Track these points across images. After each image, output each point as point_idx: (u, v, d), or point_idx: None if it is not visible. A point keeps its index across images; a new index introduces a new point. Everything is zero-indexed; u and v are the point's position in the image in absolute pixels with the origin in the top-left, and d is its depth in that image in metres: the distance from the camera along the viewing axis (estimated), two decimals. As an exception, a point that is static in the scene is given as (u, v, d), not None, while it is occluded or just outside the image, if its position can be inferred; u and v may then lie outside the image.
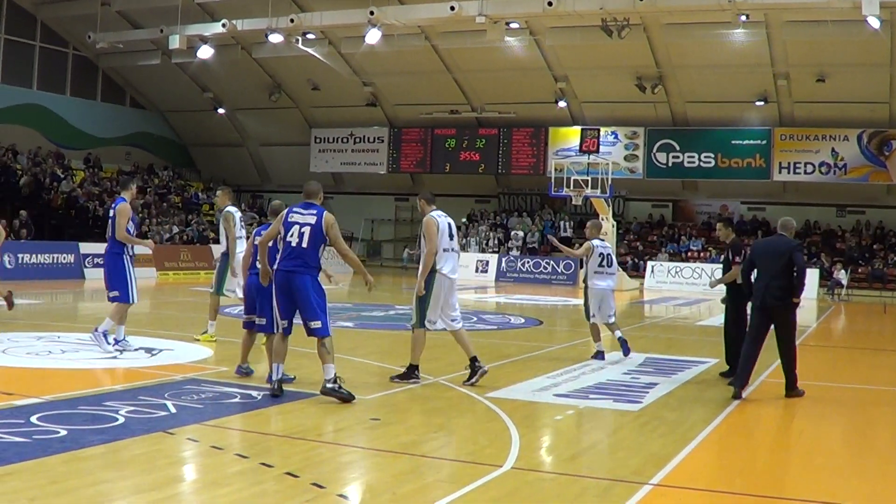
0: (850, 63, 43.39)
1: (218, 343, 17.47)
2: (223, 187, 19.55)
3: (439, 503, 8.01)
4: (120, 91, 58.79)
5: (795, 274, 14.10)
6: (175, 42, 45.37)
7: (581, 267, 18.97)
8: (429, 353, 17.88)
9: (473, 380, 14.11)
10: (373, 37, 41.74)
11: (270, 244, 13.12)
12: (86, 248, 38.62)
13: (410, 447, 10.02)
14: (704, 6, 37.57)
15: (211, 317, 18.08)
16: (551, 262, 48.02)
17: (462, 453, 9.89)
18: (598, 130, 49.93)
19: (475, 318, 25.95)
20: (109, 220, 16.26)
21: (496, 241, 52.20)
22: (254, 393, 12.57)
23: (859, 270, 45.91)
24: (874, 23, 34.77)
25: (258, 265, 13.41)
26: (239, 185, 61.79)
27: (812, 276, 43.81)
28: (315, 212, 12.68)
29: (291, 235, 12.58)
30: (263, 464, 9.04)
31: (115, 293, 16.11)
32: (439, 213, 14.57)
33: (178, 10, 45.19)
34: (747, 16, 38.31)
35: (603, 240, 18.82)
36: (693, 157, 51.25)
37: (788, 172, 49.53)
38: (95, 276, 37.22)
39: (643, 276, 47.29)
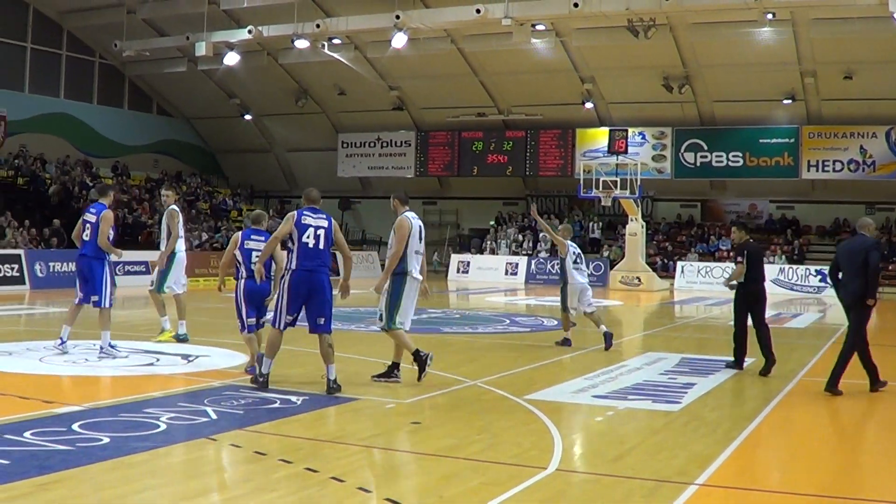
0: (877, 60, 43.18)
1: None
2: (170, 186, 19.93)
3: (487, 506, 8.02)
4: (147, 99, 58.94)
5: (868, 273, 14.09)
6: (201, 49, 45.45)
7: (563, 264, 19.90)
8: (465, 355, 17.96)
9: (384, 380, 14.34)
10: (399, 41, 41.73)
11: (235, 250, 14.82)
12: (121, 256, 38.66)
13: (453, 450, 9.99)
14: (730, 5, 37.45)
15: (161, 313, 18.53)
16: (581, 263, 47.91)
17: (506, 456, 9.85)
18: (627, 131, 49.76)
19: (508, 321, 25.96)
20: (89, 225, 16.45)
21: (530, 244, 52.06)
22: (293, 398, 12.57)
23: (890, 268, 45.64)
24: (902, 19, 34.64)
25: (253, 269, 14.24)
26: (267, 190, 61.98)
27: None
28: (324, 216, 13.55)
29: (308, 237, 13.25)
30: (308, 469, 9.03)
31: (96, 298, 16.40)
32: (412, 214, 14.67)
33: (203, 17, 45.25)
34: (774, 14, 38.17)
35: (573, 241, 20.53)
36: (721, 156, 51.06)
37: (817, 170, 49.28)
38: (126, 284, 37.33)
39: (673, 277, 47.15)
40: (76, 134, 53.36)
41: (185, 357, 15.96)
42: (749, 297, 16.84)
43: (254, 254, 14.61)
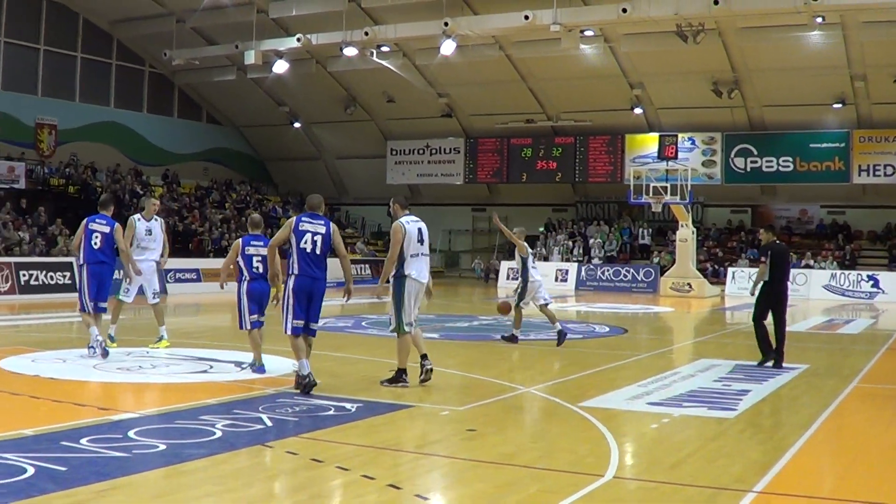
0: (929, 62, 42.99)
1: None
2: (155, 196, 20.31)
3: (546, 513, 7.99)
4: (196, 107, 59.27)
5: None
6: (250, 57, 45.73)
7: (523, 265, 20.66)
8: (520, 362, 17.95)
9: (392, 385, 14.38)
10: (447, 48, 41.80)
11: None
12: (167, 263, 38.89)
13: (510, 457, 9.97)
14: (779, 9, 37.28)
15: (113, 320, 18.78)
16: (631, 270, 47.80)
17: (562, 463, 9.80)
18: (676, 136, 49.53)
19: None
20: (100, 235, 17.03)
21: (580, 250, 51.89)
22: (348, 405, 12.57)
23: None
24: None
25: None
26: (316, 198, 62.02)
27: (893, 280, 43.46)
28: (323, 222, 14.02)
29: (305, 243, 13.81)
30: (365, 476, 9.01)
31: (104, 304, 17.20)
32: (410, 218, 14.79)
33: (252, 25, 45.52)
34: (823, 17, 37.98)
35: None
36: (771, 161, 50.80)
37: (868, 175, 48.95)
38: (177, 291, 37.62)
39: (724, 283, 46.87)
40: (126, 142, 53.75)
41: (239, 364, 15.99)
42: (772, 296, 17.63)
43: (254, 259, 15.53)
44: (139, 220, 18.71)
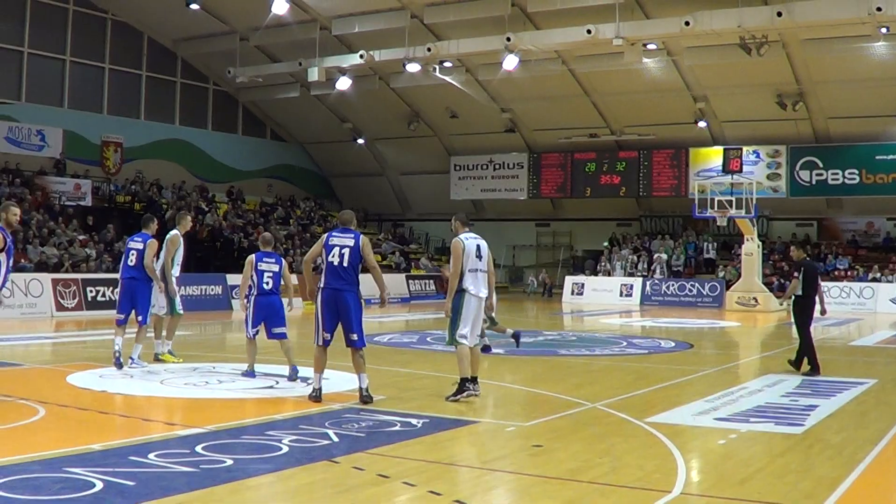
0: None
1: (372, 372, 17.52)
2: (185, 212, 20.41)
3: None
4: (260, 124, 59.62)
5: None
6: (314, 74, 45.99)
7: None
8: (584, 378, 17.88)
9: (457, 397, 14.41)
10: (510, 63, 41.84)
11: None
12: (233, 279, 39.15)
13: (577, 473, 9.91)
14: (844, 20, 36.93)
15: (168, 336, 18.90)
16: (696, 284, 47.51)
17: (629, 479, 9.75)
18: (741, 150, 49.20)
19: (625, 343, 25.76)
20: (136, 252, 17.58)
21: (644, 265, 51.63)
22: (413, 421, 12.55)
23: None
24: None
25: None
26: (380, 214, 62.32)
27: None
28: (352, 235, 14.29)
29: (333, 256, 14.11)
30: (431, 491, 9.00)
31: (140, 318, 17.52)
32: (469, 235, 14.99)
33: (315, 42, 45.80)
34: (888, 28, 37.55)
35: None
36: (837, 174, 50.40)
37: (936, 187, 48.57)
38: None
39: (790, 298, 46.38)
40: (191, 159, 54.23)
41: (305, 380, 16.03)
42: (807, 309, 18.93)
43: (265, 274, 16.57)
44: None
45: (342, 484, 9.69)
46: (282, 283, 16.74)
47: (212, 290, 37.89)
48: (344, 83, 47.68)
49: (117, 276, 18.38)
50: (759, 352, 25.92)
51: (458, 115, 54.68)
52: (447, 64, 46.12)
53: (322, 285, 14.19)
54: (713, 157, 51.91)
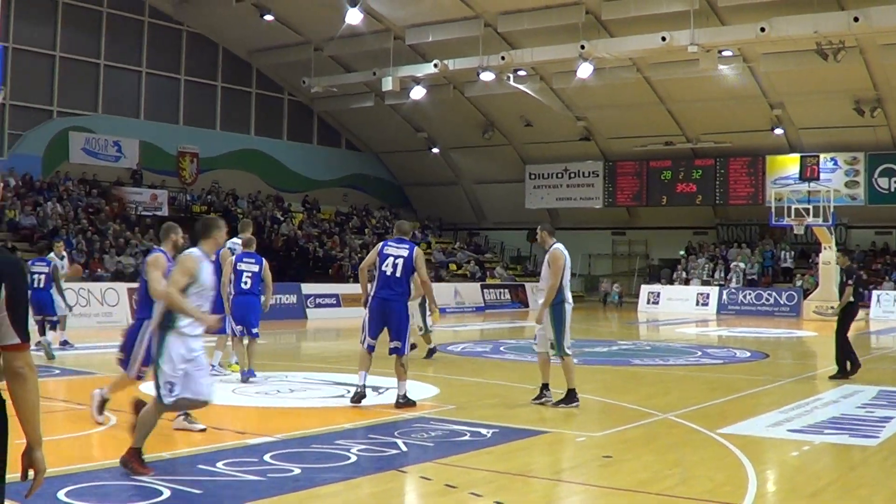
0: None
1: (444, 381, 17.54)
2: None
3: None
4: (335, 134, 59.85)
5: None
6: (388, 84, 46.11)
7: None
8: (657, 388, 17.75)
9: (541, 400, 14.76)
10: (584, 71, 41.70)
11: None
12: (308, 288, 39.38)
13: (646, 485, 9.80)
14: (923, 25, 36.49)
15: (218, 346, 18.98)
16: (773, 293, 47.03)
17: (699, 491, 9.62)
18: (818, 157, 48.75)
19: (699, 353, 25.58)
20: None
21: (721, 274, 51.17)
22: (483, 430, 12.49)
23: None
24: None
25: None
26: (455, 223, 62.28)
27: None
28: (407, 246, 14.56)
29: (386, 266, 14.40)
30: (498, 502, 8.94)
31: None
32: (562, 245, 14.95)
33: (389, 52, 45.91)
34: (969, 32, 37.11)
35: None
36: (917, 181, 49.82)
37: None
38: (318, 316, 37.96)
39: (868, 306, 45.88)
40: (267, 169, 54.57)
41: (376, 389, 16.02)
42: (851, 315, 19.23)
43: (244, 274, 17.16)
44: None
45: (408, 494, 9.70)
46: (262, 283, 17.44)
47: (286, 299, 37.96)
48: (418, 92, 47.77)
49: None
50: (835, 362, 25.66)
51: (532, 123, 54.55)
52: (521, 72, 46.03)
53: (372, 294, 14.47)
54: (790, 164, 51.46)
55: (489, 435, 12.32)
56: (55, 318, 22.42)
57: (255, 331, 17.20)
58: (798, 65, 42.52)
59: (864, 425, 13.77)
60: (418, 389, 16.42)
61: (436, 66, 44.66)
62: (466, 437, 12.15)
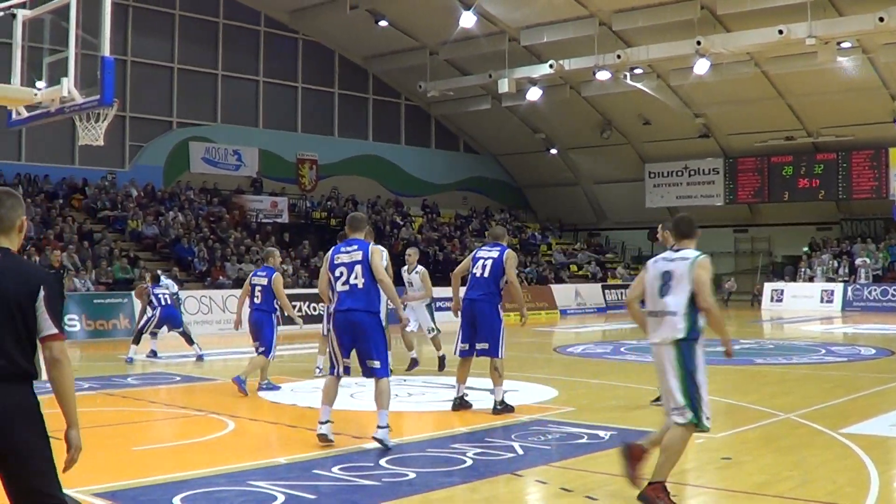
0: None
1: (563, 383, 17.45)
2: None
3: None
4: (453, 137, 59.94)
5: None
6: (504, 86, 46.08)
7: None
8: (779, 387, 17.51)
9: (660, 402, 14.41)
10: (701, 67, 41.35)
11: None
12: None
13: (764, 487, 9.64)
14: None
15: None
16: (901, 288, 46.26)
17: (819, 493, 9.43)
18: (944, 148, 47.83)
19: (823, 351, 25.19)
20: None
21: (845, 270, 50.35)
22: (601, 433, 12.40)
23: None
24: None
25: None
26: (575, 224, 62.10)
27: None
28: (499, 249, 14.48)
29: (476, 268, 14.42)
30: (613, 507, 8.87)
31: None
32: None
33: (505, 54, 45.88)
34: None
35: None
36: None
37: None
38: (439, 320, 37.91)
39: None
40: (385, 174, 54.84)
41: (493, 392, 16.00)
42: None
43: (256, 288, 16.80)
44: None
45: (524, 497, 9.68)
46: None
47: (407, 303, 38.02)
48: (534, 94, 47.68)
49: (314, 290, 18.66)
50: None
51: (650, 121, 54.15)
52: (638, 70, 45.74)
53: (463, 296, 14.57)
54: (914, 157, 50.57)
55: (607, 437, 12.22)
56: (179, 330, 22.96)
57: (261, 349, 16.73)
58: (919, 54, 41.78)
59: None
60: (537, 392, 16.38)
61: (551, 66, 44.57)
62: (584, 440, 12.09)
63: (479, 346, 14.28)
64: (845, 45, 40.56)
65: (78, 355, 25.70)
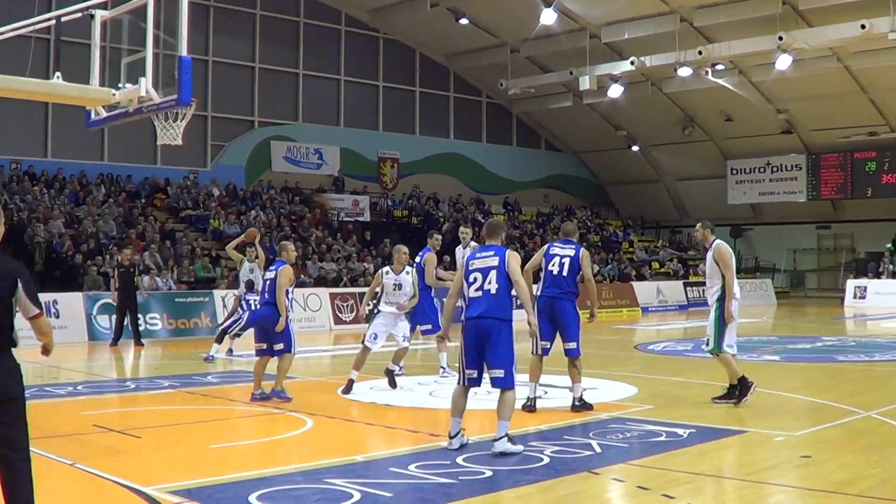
0: None
1: (643, 381, 17.40)
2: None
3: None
4: (534, 135, 59.87)
5: None
6: (585, 83, 45.98)
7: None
8: (861, 385, 17.33)
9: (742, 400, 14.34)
10: (783, 62, 41.03)
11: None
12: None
13: (844, 486, 9.53)
14: None
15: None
16: None
17: (900, 491, 9.36)
18: None
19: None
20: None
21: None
22: (680, 430, 12.33)
23: None
24: None
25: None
26: (657, 220, 61.82)
27: None
28: (573, 246, 14.48)
29: (553, 265, 14.30)
30: (690, 504, 8.83)
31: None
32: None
33: (585, 51, 45.76)
34: None
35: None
36: None
37: None
38: (522, 317, 37.87)
39: None
40: (467, 172, 54.87)
41: (572, 389, 15.96)
42: None
43: (266, 283, 15.75)
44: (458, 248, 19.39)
45: (600, 496, 9.64)
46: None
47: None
48: (616, 90, 47.56)
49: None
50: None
51: (732, 117, 53.76)
52: (719, 66, 45.42)
53: (539, 293, 14.32)
54: None
55: (685, 435, 12.16)
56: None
57: (276, 348, 15.63)
58: None
59: None
60: (616, 389, 16.34)
61: (632, 63, 44.40)
62: (662, 438, 12.01)
63: (566, 345, 14.24)
64: (929, 38, 40.05)
65: (159, 353, 25.99)
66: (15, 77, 14.80)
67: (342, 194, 47.78)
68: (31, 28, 15.59)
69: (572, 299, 14.29)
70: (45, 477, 10.29)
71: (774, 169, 56.68)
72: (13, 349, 7.38)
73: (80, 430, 13.20)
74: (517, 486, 9.58)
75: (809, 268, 58.68)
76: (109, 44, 14.58)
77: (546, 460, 10.71)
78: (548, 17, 42.53)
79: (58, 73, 14.38)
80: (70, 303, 28.88)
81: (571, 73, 46.92)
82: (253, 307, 22.33)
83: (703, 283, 47.87)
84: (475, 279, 11.71)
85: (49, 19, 15.20)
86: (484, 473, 10.05)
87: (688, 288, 48.80)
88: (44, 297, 28.39)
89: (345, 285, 36.62)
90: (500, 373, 11.58)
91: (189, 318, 31.46)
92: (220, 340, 22.95)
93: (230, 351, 23.35)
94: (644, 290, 46.68)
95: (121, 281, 27.04)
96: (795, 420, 13.59)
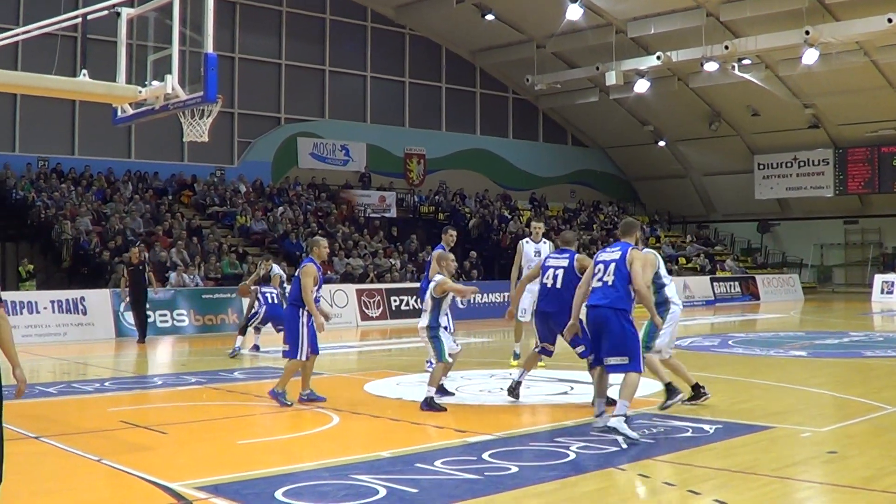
0: None
1: (669, 376, 17.34)
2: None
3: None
4: (561, 130, 59.81)
5: None
6: (612, 78, 45.95)
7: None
8: (888, 380, 17.28)
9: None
10: (810, 57, 40.93)
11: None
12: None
13: (870, 482, 9.51)
14: None
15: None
16: None
17: (927, 488, 9.32)
18: None
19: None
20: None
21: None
22: (706, 427, 12.31)
23: None
24: None
25: None
26: (684, 216, 61.68)
27: None
28: (567, 256, 14.06)
29: (547, 278, 14.04)
30: (717, 500, 8.79)
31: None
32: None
33: (612, 46, 45.68)
34: None
35: None
36: None
37: None
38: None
39: None
40: (493, 168, 54.89)
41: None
42: None
43: (294, 282, 15.26)
44: (527, 242, 19.05)
45: (624, 492, 9.62)
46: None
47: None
48: (642, 85, 47.48)
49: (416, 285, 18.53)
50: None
51: (759, 112, 53.60)
52: (746, 61, 45.28)
53: (534, 308, 14.56)
54: None
55: (712, 431, 12.15)
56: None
57: (285, 349, 15.14)
58: None
59: None
60: (642, 384, 16.19)
61: (659, 58, 44.32)
62: (689, 434, 11.98)
63: (577, 349, 13.89)
64: (957, 32, 39.87)
65: (186, 350, 26.07)
66: (42, 75, 14.88)
67: (368, 190, 47.90)
68: (57, 26, 15.64)
69: (568, 311, 13.20)
70: (72, 473, 10.40)
71: (801, 164, 56.48)
72: None
73: (106, 426, 13.27)
74: (542, 482, 9.55)
75: (836, 263, 58.47)
76: (136, 41, 14.60)
77: (572, 456, 10.70)
78: (574, 12, 42.52)
79: (84, 71, 14.43)
80: (97, 300, 29.02)
81: (598, 69, 46.89)
82: (269, 301, 22.47)
83: (731, 279, 48.01)
84: (599, 270, 12.34)
85: (76, 17, 15.23)
86: (510, 469, 10.04)
87: (714, 284, 48.65)
88: (71, 293, 28.80)
89: (371, 281, 36.66)
90: (612, 360, 12.19)
91: (216, 314, 31.56)
92: (243, 333, 23.10)
93: (256, 347, 23.41)
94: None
95: (131, 278, 27.30)
96: (822, 416, 13.55)
